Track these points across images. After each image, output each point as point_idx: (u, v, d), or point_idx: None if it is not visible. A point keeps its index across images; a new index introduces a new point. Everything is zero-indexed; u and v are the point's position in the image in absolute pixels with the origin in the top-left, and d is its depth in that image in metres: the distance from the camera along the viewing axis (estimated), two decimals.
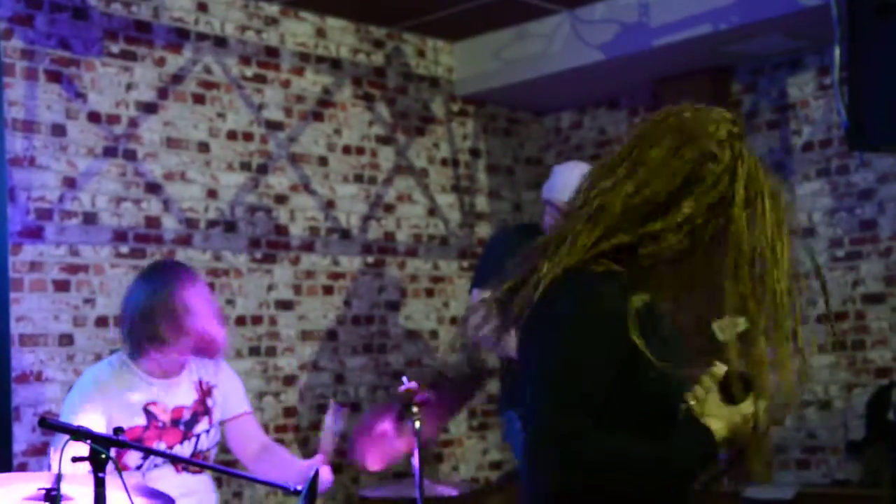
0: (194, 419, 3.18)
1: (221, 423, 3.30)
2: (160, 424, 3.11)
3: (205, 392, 3.23)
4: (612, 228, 1.71)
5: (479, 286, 4.07)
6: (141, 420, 3.08)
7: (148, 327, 3.08)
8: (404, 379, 3.45)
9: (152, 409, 3.11)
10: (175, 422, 3.14)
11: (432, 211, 5.82)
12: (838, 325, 5.38)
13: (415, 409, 3.36)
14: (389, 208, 5.61)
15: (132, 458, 3.05)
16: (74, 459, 2.29)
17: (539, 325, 1.71)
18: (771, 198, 1.73)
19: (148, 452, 3.00)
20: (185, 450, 3.13)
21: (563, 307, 1.68)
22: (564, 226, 1.77)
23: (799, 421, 5.46)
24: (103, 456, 2.27)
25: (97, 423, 2.95)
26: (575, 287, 1.69)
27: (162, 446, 3.08)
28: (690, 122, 1.76)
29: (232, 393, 3.32)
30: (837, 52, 4.15)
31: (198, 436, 3.18)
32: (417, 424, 3.37)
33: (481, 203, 6.10)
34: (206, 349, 3.20)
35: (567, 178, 3.91)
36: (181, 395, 3.18)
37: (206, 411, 3.22)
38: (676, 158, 1.72)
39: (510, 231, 4.62)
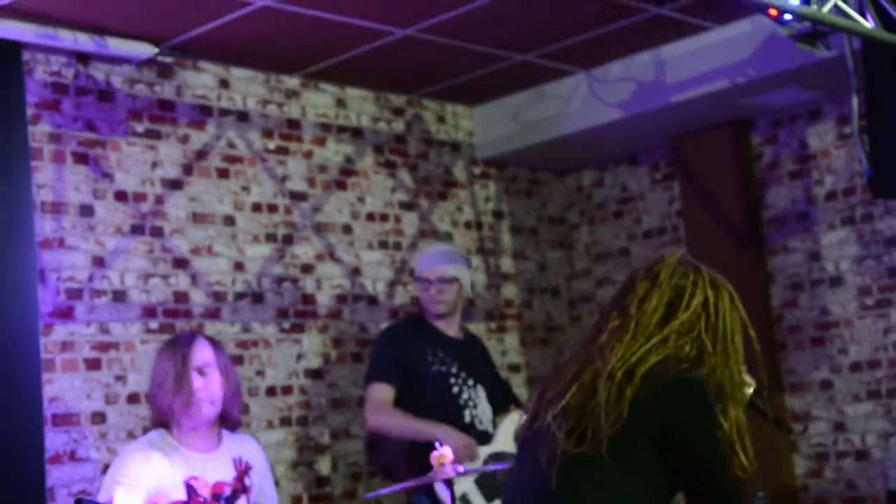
0: (234, 496, 3.18)
1: None
2: (201, 500, 3.11)
3: (243, 471, 3.24)
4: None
5: (377, 379, 4.37)
6: (182, 495, 3.08)
7: (151, 400, 3.25)
8: (437, 444, 3.43)
9: (193, 483, 3.11)
10: (216, 497, 3.14)
11: None
12: (872, 373, 5.33)
13: (447, 475, 3.34)
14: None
15: None
16: None
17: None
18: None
19: None
20: None
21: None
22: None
23: (837, 472, 5.38)
24: None
25: (139, 498, 2.96)
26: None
27: None
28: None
29: (265, 481, 3.35)
30: (855, 102, 4.17)
31: None
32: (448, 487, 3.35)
33: (506, 264, 6.11)
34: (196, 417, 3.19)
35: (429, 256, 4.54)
36: (221, 470, 3.19)
37: (245, 489, 3.22)
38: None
39: (400, 325, 4.80)
